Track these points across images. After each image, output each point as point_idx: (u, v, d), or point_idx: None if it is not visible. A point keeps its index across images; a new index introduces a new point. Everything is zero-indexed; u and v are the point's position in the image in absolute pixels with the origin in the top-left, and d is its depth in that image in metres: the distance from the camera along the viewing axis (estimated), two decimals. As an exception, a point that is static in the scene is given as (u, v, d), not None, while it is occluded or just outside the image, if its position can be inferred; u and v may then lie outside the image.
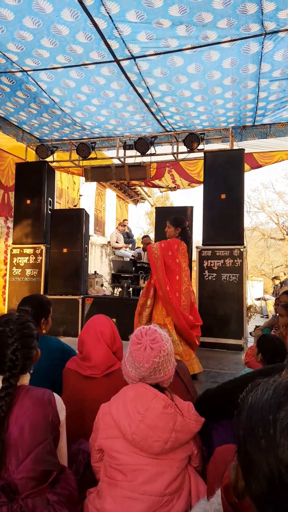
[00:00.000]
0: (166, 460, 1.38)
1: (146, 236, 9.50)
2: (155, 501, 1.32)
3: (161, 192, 14.67)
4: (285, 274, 12.54)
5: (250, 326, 6.41)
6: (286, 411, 0.60)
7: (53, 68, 4.52)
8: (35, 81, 4.86)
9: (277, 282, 11.37)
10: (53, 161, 6.76)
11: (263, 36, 3.92)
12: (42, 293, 6.12)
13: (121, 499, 1.33)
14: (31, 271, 6.27)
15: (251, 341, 5.26)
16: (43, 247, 6.23)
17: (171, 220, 4.16)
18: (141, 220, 21.81)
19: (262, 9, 3.51)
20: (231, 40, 3.96)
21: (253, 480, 0.61)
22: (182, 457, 1.43)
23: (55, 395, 1.46)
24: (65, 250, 6.12)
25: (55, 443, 1.36)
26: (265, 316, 11.32)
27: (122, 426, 1.38)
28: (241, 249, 5.31)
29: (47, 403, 1.38)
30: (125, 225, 11.00)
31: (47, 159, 6.50)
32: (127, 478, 1.35)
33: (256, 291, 14.86)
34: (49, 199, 6.48)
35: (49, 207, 6.45)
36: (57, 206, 9.18)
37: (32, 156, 6.73)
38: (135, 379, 1.49)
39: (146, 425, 1.36)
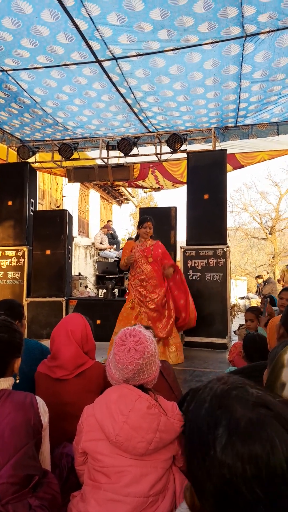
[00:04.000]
0: (150, 461, 1.37)
1: (130, 239, 9.45)
2: (140, 503, 1.31)
3: (145, 192, 14.69)
4: (268, 273, 12.72)
5: (234, 325, 6.47)
6: (224, 426, 0.58)
7: (34, 68, 4.48)
8: (15, 81, 4.80)
9: (260, 281, 11.51)
10: (35, 162, 6.69)
11: (243, 39, 3.97)
12: (25, 295, 6.05)
13: (105, 502, 1.32)
14: (13, 273, 6.19)
15: (235, 340, 5.31)
16: (25, 249, 6.16)
17: (153, 222, 4.35)
18: (125, 221, 21.79)
19: (242, 13, 3.55)
20: (212, 42, 4.00)
21: (204, 500, 0.60)
22: (166, 457, 1.43)
23: (38, 398, 1.45)
24: (48, 252, 6.06)
25: (37, 447, 1.34)
26: (249, 315, 11.41)
27: (106, 428, 1.37)
28: (225, 249, 5.36)
29: (29, 407, 1.36)
30: (109, 227, 10.97)
31: (29, 160, 6.43)
32: (111, 480, 1.34)
33: (240, 290, 15.03)
34: (31, 200, 6.41)
35: (31, 208, 6.38)
36: (39, 208, 9.10)
37: (13, 157, 6.64)
38: (119, 381, 1.49)
39: (130, 426, 1.35)
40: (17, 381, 1.54)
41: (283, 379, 0.98)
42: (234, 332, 5.98)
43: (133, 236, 11.02)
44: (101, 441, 1.39)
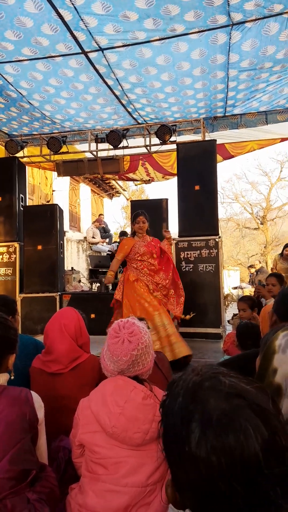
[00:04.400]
0: (147, 451, 1.38)
1: (124, 233, 9.40)
2: (138, 492, 1.32)
3: (136, 185, 14.64)
4: (260, 263, 12.80)
5: (228, 315, 6.52)
6: (197, 420, 0.57)
7: (19, 61, 4.41)
8: (0, 74, 4.72)
9: (252, 270, 11.58)
10: (24, 157, 6.62)
11: (230, 27, 3.94)
12: (18, 291, 6.02)
13: (103, 493, 1.33)
14: (5, 269, 6.15)
15: (229, 329, 5.35)
16: (16, 245, 6.12)
17: (146, 216, 4.26)
18: (117, 215, 21.74)
19: (228, 1, 3.52)
20: (198, 31, 3.97)
21: (184, 496, 0.59)
22: (163, 447, 1.45)
23: (33, 393, 1.44)
24: (39, 247, 6.02)
25: (34, 441, 1.34)
26: (242, 304, 11.48)
27: (102, 419, 1.38)
28: (216, 239, 5.38)
29: (23, 402, 1.35)
30: (101, 221, 10.92)
31: (17, 155, 6.36)
32: (108, 472, 1.35)
33: (233, 280, 15.14)
34: (21, 195, 6.35)
35: (21, 203, 6.33)
36: (29, 203, 9.02)
37: (1, 152, 6.56)
38: (113, 373, 1.49)
39: (126, 417, 1.36)
40: (12, 377, 1.54)
41: (274, 365, 0.99)
42: (228, 321, 6.03)
43: (125, 230, 10.97)
44: (97, 433, 1.40)
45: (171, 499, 0.65)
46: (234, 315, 5.99)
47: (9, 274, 6.13)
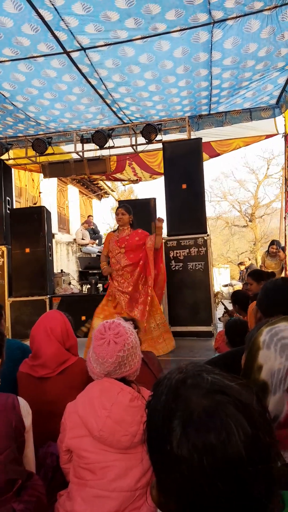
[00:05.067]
0: (136, 454, 1.36)
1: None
2: (127, 497, 1.30)
3: (124, 185, 14.59)
4: (250, 260, 12.88)
5: (218, 312, 6.53)
6: (178, 418, 0.56)
7: (0, 62, 4.35)
8: (-18, 76, 4.65)
9: (242, 267, 11.63)
10: (9, 159, 6.54)
11: (211, 25, 3.94)
12: (6, 296, 5.95)
13: (92, 499, 1.30)
14: (-7, 274, 6.07)
15: (220, 327, 5.36)
16: (4, 248, 6.04)
17: (126, 208, 4.22)
18: (106, 215, 21.67)
19: (208, -1, 3.52)
20: (180, 30, 3.96)
21: (167, 497, 0.58)
22: (152, 448, 1.43)
23: (20, 399, 1.41)
24: (27, 250, 5.96)
25: (20, 450, 1.31)
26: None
27: (89, 423, 1.36)
28: (205, 237, 5.38)
29: (10, 409, 1.32)
30: (90, 222, 10.87)
31: (2, 157, 6.29)
32: (96, 477, 1.33)
33: (224, 278, 15.19)
34: (7, 198, 6.28)
35: (7, 206, 6.26)
36: (16, 205, 8.93)
37: (-14, 155, 6.47)
38: (100, 375, 1.47)
39: (113, 420, 1.34)
40: None
41: (260, 362, 0.98)
42: (219, 319, 6.04)
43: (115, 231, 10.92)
44: (85, 438, 1.38)
45: (156, 501, 0.63)
46: (224, 312, 6.00)
47: (-3, 278, 6.06)
